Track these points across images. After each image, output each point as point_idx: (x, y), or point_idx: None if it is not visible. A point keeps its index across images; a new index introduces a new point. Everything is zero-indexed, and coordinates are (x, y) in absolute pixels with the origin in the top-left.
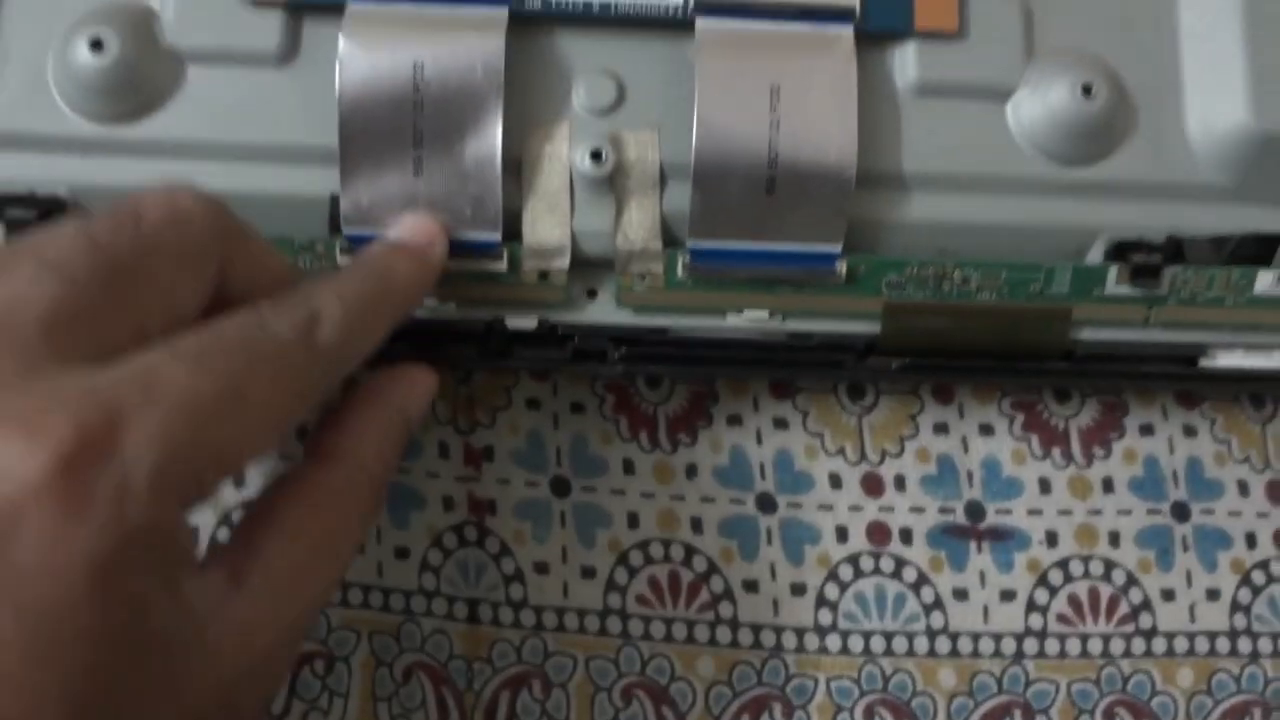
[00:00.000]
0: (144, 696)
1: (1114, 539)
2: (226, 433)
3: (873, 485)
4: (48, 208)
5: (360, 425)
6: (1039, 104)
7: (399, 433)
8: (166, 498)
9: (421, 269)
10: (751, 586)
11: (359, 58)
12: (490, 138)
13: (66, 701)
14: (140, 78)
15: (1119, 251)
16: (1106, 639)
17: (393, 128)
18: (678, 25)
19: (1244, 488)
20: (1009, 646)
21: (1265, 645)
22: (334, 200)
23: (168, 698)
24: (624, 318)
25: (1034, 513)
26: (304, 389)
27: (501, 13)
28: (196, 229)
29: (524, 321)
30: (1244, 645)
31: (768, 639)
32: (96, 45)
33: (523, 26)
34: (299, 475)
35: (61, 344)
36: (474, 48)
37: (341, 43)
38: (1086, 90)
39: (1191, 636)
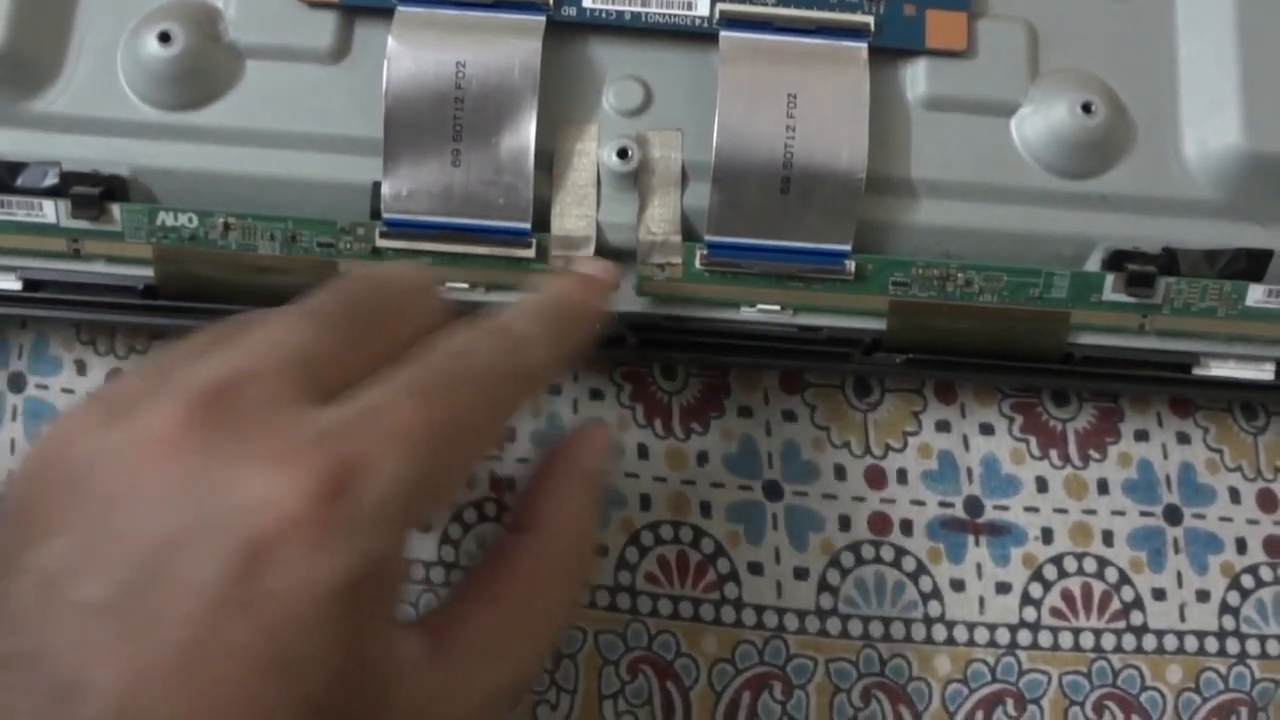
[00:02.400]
0: None
1: (1108, 538)
2: (449, 462)
3: (876, 478)
4: (109, 186)
5: (560, 495)
6: (1041, 120)
7: (593, 495)
8: (400, 530)
9: (599, 294)
10: (756, 569)
11: (406, 57)
12: (525, 134)
13: (292, 715)
14: (203, 69)
15: (1116, 261)
16: (1098, 634)
17: (434, 122)
18: (703, 36)
19: (1235, 495)
20: (1003, 637)
21: (1253, 646)
22: (376, 187)
23: None
24: (643, 306)
25: (1031, 510)
26: (510, 411)
27: (539, 19)
28: (429, 297)
29: None
30: (1232, 646)
31: (770, 620)
32: (165, 38)
33: (559, 32)
34: (504, 546)
35: (308, 383)
36: (513, 50)
37: (390, 42)
38: (1086, 108)
39: (1181, 635)
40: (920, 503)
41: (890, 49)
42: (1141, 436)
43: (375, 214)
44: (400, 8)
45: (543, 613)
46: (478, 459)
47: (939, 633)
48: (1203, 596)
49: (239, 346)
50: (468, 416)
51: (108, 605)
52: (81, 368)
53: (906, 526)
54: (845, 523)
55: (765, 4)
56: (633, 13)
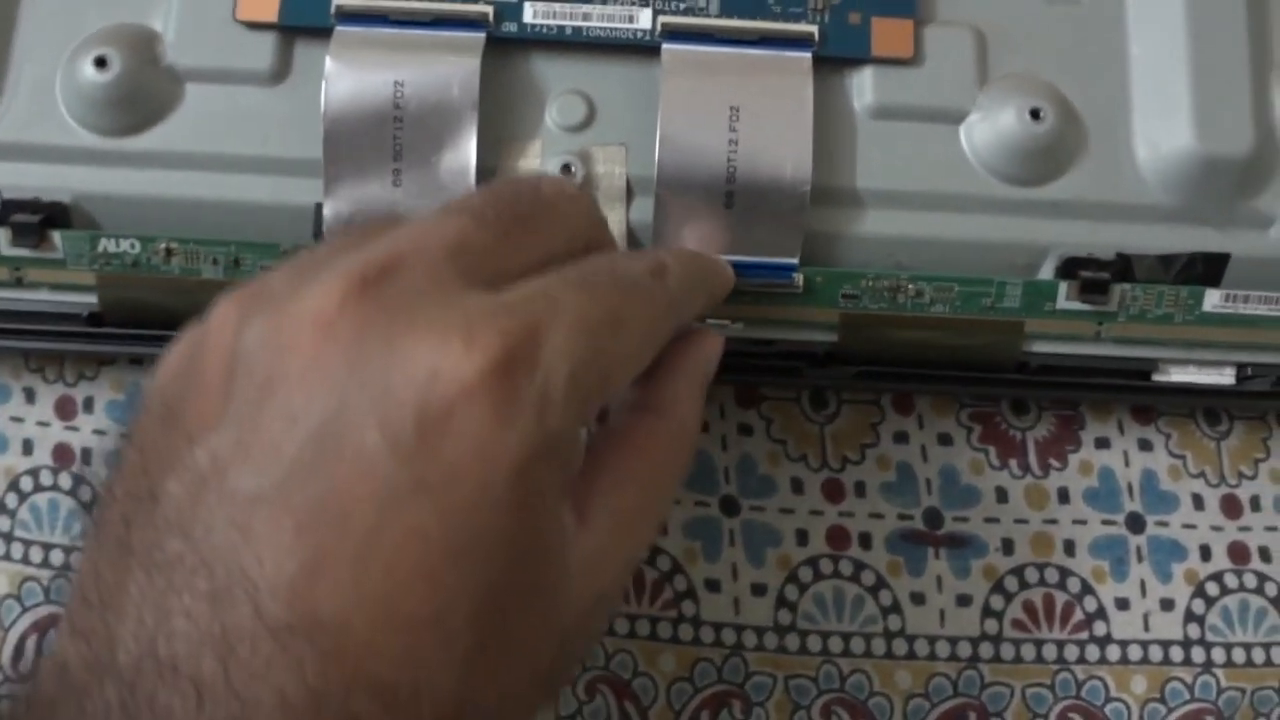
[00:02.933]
0: (530, 607)
1: (1069, 548)
2: (614, 353)
3: (833, 491)
4: (50, 213)
5: (678, 382)
6: (990, 127)
7: (703, 389)
8: (577, 408)
9: (725, 272)
10: (714, 586)
11: (344, 76)
12: (465, 152)
13: (472, 602)
14: (141, 94)
15: (1069, 268)
16: (1061, 645)
17: (374, 142)
18: (645, 50)
19: (1199, 501)
20: (965, 650)
21: (1219, 655)
22: (318, 209)
23: (545, 613)
24: None
25: (991, 520)
26: (661, 324)
27: (479, 36)
28: (584, 208)
29: None
30: (1198, 655)
31: (728, 637)
32: (101, 63)
33: (499, 49)
34: (631, 425)
35: (466, 268)
36: (452, 68)
37: (328, 63)
38: (1035, 114)
39: (1145, 645)
40: (879, 515)
41: (836, 58)
42: (1102, 444)
43: (318, 235)
44: (339, 27)
45: (664, 491)
46: (632, 368)
47: (899, 647)
48: (1167, 605)
49: (390, 236)
50: (628, 317)
51: (271, 495)
52: (30, 395)
53: (865, 540)
54: (803, 537)
55: (707, 15)
56: (574, 27)
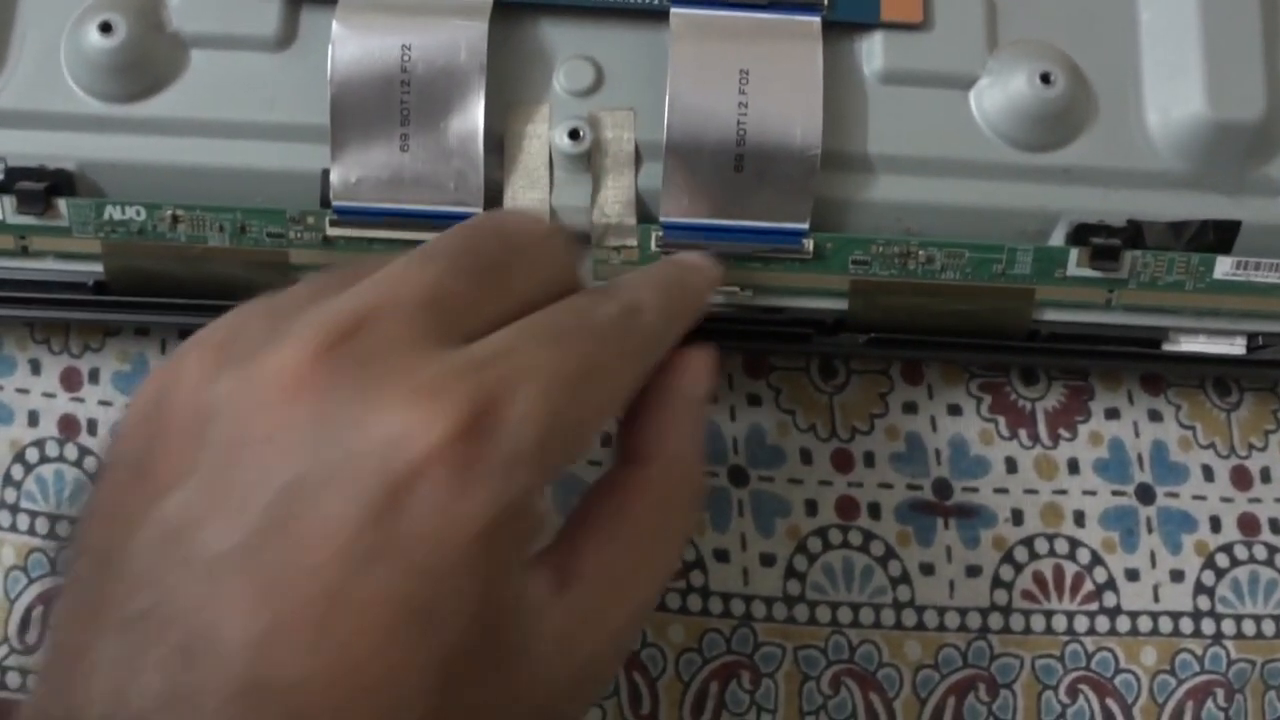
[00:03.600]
0: (494, 674)
1: (1079, 519)
2: (586, 407)
3: (843, 461)
4: (55, 180)
5: (664, 420)
6: (1000, 92)
7: (699, 419)
8: (543, 470)
9: (708, 276)
10: (722, 556)
11: (350, 41)
12: (473, 117)
13: (431, 667)
14: (146, 60)
15: (1080, 235)
16: (1071, 616)
17: (381, 107)
18: (654, 14)
19: (1209, 472)
20: (974, 621)
21: (1229, 627)
22: (325, 175)
23: (511, 680)
24: None
25: (1000, 491)
26: (636, 369)
27: (486, 0)
28: (554, 246)
29: None
30: (1207, 626)
31: (737, 608)
32: (106, 28)
33: (507, 13)
34: (617, 479)
35: (439, 323)
36: (459, 32)
37: (334, 26)
38: (1045, 79)
39: (1155, 616)
40: (888, 485)
41: (845, 23)
42: (1112, 415)
43: (325, 202)
44: None
45: (662, 543)
46: (605, 418)
47: (909, 618)
48: (1177, 576)
49: (361, 287)
50: (601, 367)
51: (237, 556)
52: (36, 367)
53: (874, 510)
54: (812, 507)
55: None
56: None
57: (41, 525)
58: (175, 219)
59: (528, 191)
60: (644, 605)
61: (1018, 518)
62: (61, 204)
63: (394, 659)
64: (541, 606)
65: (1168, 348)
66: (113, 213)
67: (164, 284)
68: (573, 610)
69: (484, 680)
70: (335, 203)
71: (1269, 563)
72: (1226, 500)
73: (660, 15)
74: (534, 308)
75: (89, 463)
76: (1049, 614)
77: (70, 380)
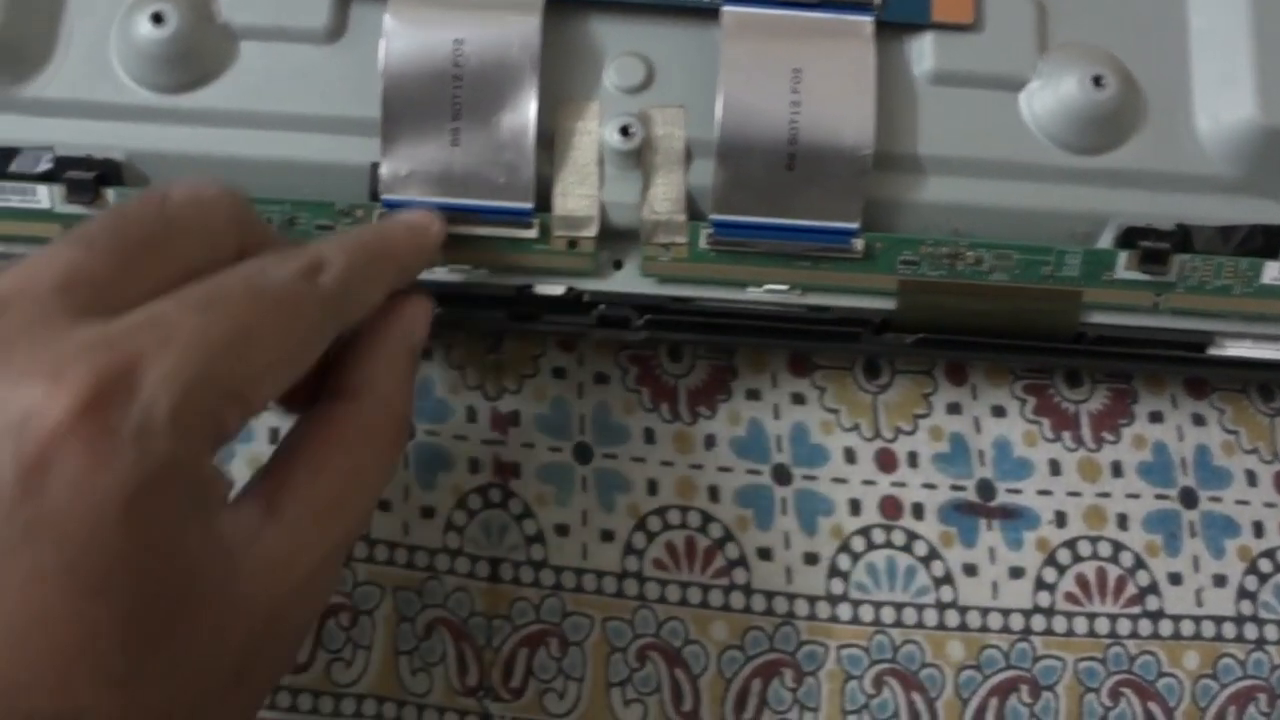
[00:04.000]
0: (190, 623)
1: (1122, 521)
2: (240, 371)
3: (886, 461)
4: (104, 170)
5: (373, 360)
6: (1051, 94)
7: (409, 362)
8: (188, 435)
9: (419, 237)
10: (766, 554)
11: (402, 34)
12: (525, 112)
13: (116, 630)
14: (196, 51)
15: (1128, 238)
16: (1113, 619)
17: (432, 101)
18: (705, 11)
19: (1252, 478)
20: (1017, 622)
21: (1271, 632)
22: (374, 169)
23: (212, 624)
24: (648, 287)
25: (1044, 493)
26: (309, 331)
27: None
28: (217, 214)
29: (552, 288)
30: (1250, 631)
31: (780, 606)
32: (157, 19)
33: (559, 9)
34: (323, 413)
35: (76, 302)
36: (512, 27)
37: (386, 20)
38: (1097, 81)
39: (1198, 620)
40: (932, 486)
41: (896, 23)
42: (1156, 418)
43: (374, 195)
44: None
45: (368, 476)
46: (281, 377)
47: (951, 618)
48: (1220, 581)
49: (1, 275)
50: (260, 330)
51: None
52: None
53: (918, 510)
54: (856, 507)
55: None
56: None
57: None
58: None
59: (577, 187)
60: (351, 530)
61: (1061, 520)
62: (110, 194)
63: (76, 627)
64: (250, 537)
65: (1213, 352)
66: None
67: None
68: (282, 535)
69: (181, 626)
70: (384, 196)
71: None
72: (1270, 505)
73: (711, 13)
74: (197, 276)
75: None
76: (1092, 616)
77: None
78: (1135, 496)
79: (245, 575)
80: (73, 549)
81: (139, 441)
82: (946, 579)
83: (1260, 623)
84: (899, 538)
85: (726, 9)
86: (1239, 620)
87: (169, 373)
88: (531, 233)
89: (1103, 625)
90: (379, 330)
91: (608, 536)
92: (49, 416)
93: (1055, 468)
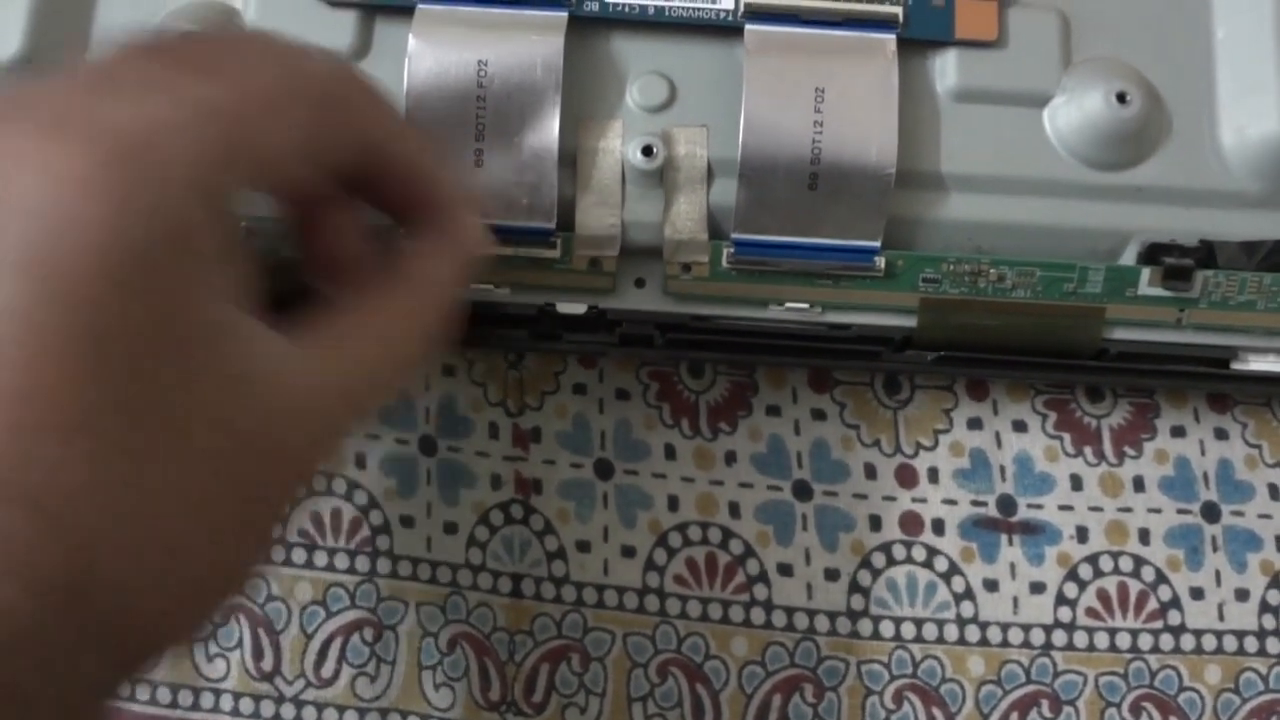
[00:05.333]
0: (185, 406)
1: (1144, 536)
2: (262, 143)
3: (907, 476)
4: None
5: (437, 253)
6: (1075, 110)
7: (466, 270)
8: (205, 197)
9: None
10: (786, 570)
11: (426, 55)
12: (548, 132)
13: (102, 380)
14: None
15: (1152, 254)
16: (1135, 634)
17: (456, 121)
18: (728, 30)
19: (1275, 491)
20: (1038, 637)
21: None
22: None
23: (212, 416)
24: (669, 305)
25: (1065, 508)
26: (330, 120)
27: (561, 16)
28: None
29: (574, 307)
30: (1272, 645)
31: (800, 621)
32: None
33: (581, 29)
34: (383, 284)
35: (97, 70)
36: (535, 47)
37: (411, 41)
38: (1121, 98)
39: (1220, 635)
40: (952, 501)
41: (919, 40)
42: (1178, 433)
43: None
44: (421, 5)
45: (400, 350)
46: (301, 159)
47: (972, 633)
48: (1242, 595)
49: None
50: (286, 106)
51: None
52: None
53: (938, 526)
54: (876, 522)
55: None
56: (656, 7)
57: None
58: (250, 231)
59: (599, 207)
60: (377, 390)
61: (1082, 535)
62: None
63: (75, 385)
64: (278, 354)
65: (1236, 367)
66: None
67: None
68: (312, 369)
69: (181, 406)
70: None
71: None
72: None
73: (734, 31)
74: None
75: None
76: (1113, 631)
77: None
78: (1157, 511)
79: (260, 381)
80: (75, 301)
81: (153, 199)
82: (967, 594)
83: None
84: (919, 553)
85: (749, 27)
86: (1261, 634)
87: (189, 133)
88: (554, 252)
89: (1124, 640)
90: (444, 230)
91: (629, 552)
92: (66, 169)
93: (1076, 483)
